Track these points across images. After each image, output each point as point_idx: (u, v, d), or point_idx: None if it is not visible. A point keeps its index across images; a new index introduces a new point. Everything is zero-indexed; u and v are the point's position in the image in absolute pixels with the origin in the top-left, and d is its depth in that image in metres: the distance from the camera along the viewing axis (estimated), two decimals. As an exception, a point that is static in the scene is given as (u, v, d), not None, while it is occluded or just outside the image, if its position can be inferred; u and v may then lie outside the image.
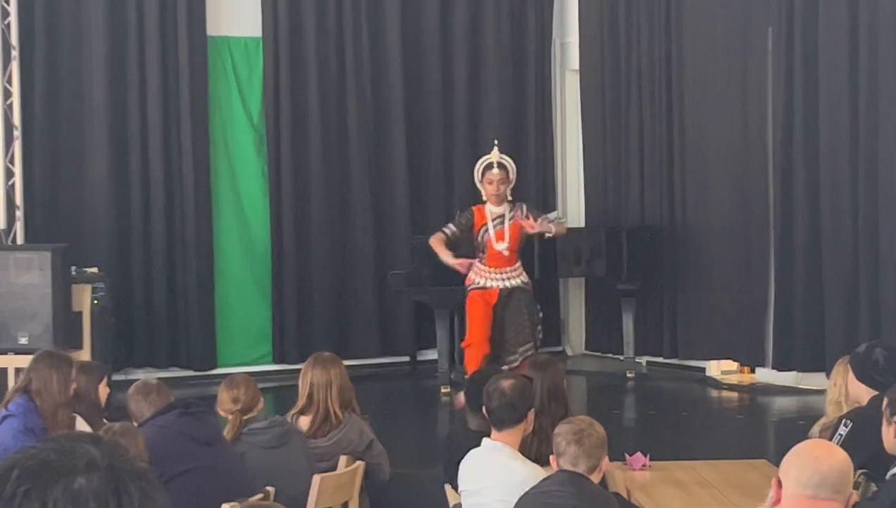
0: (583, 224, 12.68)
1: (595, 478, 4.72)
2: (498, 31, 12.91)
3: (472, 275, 9.73)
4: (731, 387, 11.24)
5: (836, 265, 10.30)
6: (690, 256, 11.67)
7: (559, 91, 13.26)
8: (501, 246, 9.65)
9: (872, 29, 9.97)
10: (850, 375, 5.88)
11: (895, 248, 9.73)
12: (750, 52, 11.13)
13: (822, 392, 7.78)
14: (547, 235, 9.93)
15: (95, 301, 10.20)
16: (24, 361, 6.74)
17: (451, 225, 9.98)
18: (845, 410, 5.84)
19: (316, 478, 5.96)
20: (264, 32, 12.24)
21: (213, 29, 12.09)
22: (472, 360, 9.54)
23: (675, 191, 11.83)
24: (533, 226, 9.66)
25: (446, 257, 9.78)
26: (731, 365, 11.60)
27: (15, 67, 10.98)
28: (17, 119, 10.97)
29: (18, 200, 10.97)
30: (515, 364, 9.21)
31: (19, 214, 10.99)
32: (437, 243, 9.90)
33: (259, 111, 12.33)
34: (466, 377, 9.73)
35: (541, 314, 10.19)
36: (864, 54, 10.00)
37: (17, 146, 10.97)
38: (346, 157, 12.44)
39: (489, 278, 9.69)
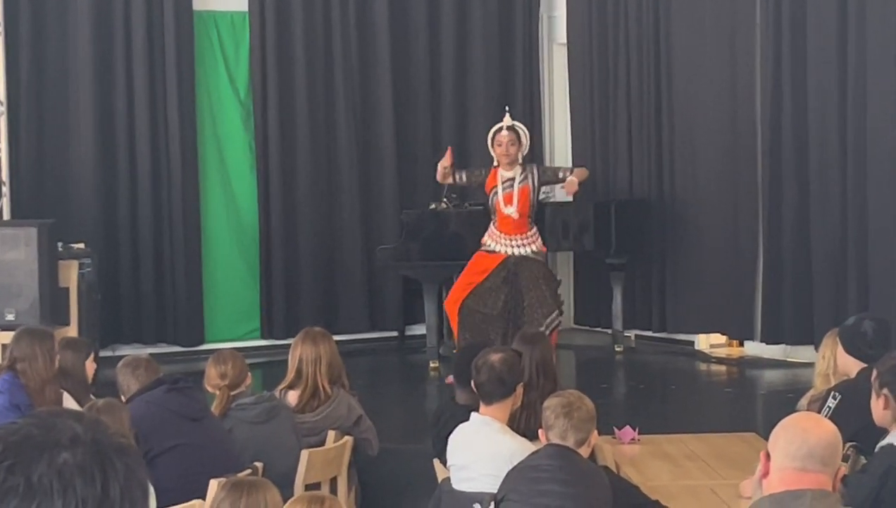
0: (571, 198, 12.65)
1: (584, 452, 4.71)
2: (485, 4, 12.84)
3: (486, 237, 9.87)
4: (719, 360, 11.25)
5: (824, 238, 10.29)
6: (679, 229, 11.66)
7: (546, 65, 13.22)
8: (510, 210, 9.72)
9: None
10: (839, 348, 5.89)
11: (883, 220, 9.71)
12: (738, 24, 11.09)
13: (810, 365, 7.79)
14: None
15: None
16: (11, 337, 6.72)
17: (464, 171, 10.13)
18: (833, 383, 5.85)
19: (304, 453, 5.95)
20: (251, 7, 12.17)
21: (199, 4, 12.02)
22: (452, 300, 9.87)
23: (664, 164, 11.81)
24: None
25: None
26: (720, 339, 11.60)
27: (0, 42, 10.92)
28: (2, 94, 10.92)
29: (4, 175, 10.93)
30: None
31: (5, 189, 10.94)
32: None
33: (246, 86, 12.28)
34: (454, 350, 9.75)
35: (559, 279, 10.37)
36: (853, 25, 9.96)
37: (3, 122, 10.92)
38: (333, 131, 12.39)
39: (499, 241, 9.80)
